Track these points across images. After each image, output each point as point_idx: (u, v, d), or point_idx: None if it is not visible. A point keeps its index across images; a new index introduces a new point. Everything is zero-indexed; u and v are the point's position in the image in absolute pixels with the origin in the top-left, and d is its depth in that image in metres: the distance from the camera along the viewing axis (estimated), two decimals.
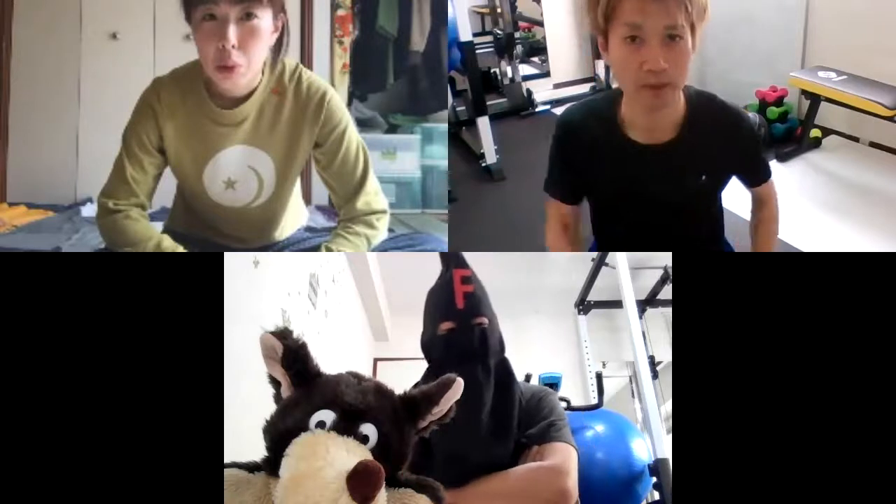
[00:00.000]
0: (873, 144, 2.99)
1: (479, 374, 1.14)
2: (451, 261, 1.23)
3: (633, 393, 3.51)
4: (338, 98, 1.47)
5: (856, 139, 3.06)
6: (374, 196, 1.49)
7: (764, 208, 1.39)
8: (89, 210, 2.75)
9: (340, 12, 3.35)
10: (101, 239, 1.46)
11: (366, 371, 0.98)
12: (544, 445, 1.14)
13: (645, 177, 1.26)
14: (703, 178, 1.26)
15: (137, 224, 1.41)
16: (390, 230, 1.54)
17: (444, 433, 1.06)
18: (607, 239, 1.40)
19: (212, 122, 1.42)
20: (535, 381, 2.35)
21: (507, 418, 1.16)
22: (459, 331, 1.16)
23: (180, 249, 1.41)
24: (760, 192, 1.38)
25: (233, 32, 1.29)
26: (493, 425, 1.14)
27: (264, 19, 1.32)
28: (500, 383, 1.17)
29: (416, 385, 1.06)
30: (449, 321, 1.17)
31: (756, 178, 1.37)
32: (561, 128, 1.33)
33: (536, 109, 3.85)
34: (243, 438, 0.91)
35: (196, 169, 1.44)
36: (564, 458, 1.12)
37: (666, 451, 2.22)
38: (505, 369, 1.19)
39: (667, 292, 3.25)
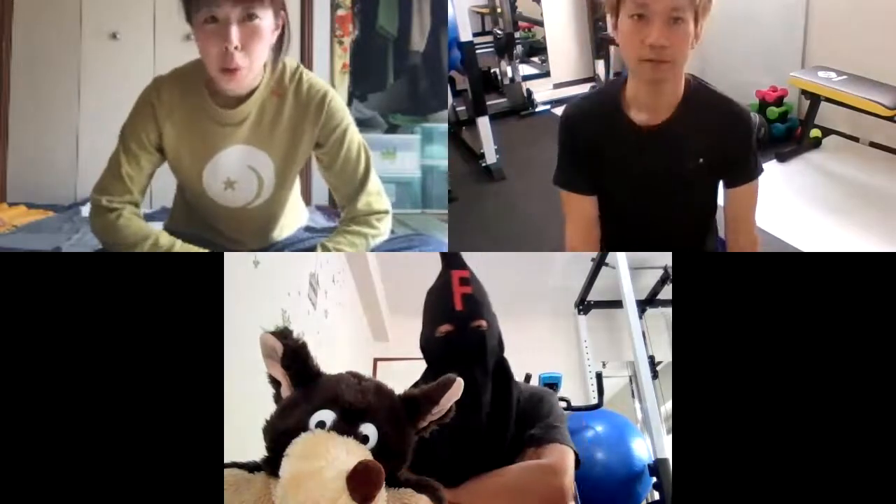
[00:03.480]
0: (873, 144, 2.99)
1: (478, 376, 1.13)
2: (451, 261, 1.23)
3: (633, 393, 3.50)
4: (338, 99, 1.46)
5: (856, 139, 3.06)
6: (376, 196, 1.48)
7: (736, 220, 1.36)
8: (89, 210, 2.74)
9: (340, 12, 3.35)
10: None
11: (366, 371, 0.98)
12: (542, 447, 1.14)
13: (644, 157, 1.29)
14: (701, 160, 1.29)
15: (132, 223, 1.41)
16: (390, 230, 1.54)
17: (443, 434, 1.06)
18: (611, 229, 1.40)
19: (212, 122, 1.41)
20: (535, 382, 2.34)
21: (504, 418, 1.16)
22: (458, 333, 1.16)
23: (178, 243, 1.41)
24: (737, 194, 1.34)
25: (235, 34, 1.28)
26: (490, 425, 1.14)
27: (265, 19, 1.32)
28: (498, 384, 1.17)
29: (414, 385, 1.05)
30: (447, 324, 1.16)
31: (740, 173, 1.33)
32: (566, 117, 1.38)
33: (536, 109, 3.85)
34: (243, 438, 0.91)
35: (195, 168, 1.44)
36: (560, 457, 1.12)
37: (666, 451, 2.22)
38: (503, 369, 1.19)
39: (667, 292, 3.25)
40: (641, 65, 1.22)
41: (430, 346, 1.19)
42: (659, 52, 1.19)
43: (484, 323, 1.18)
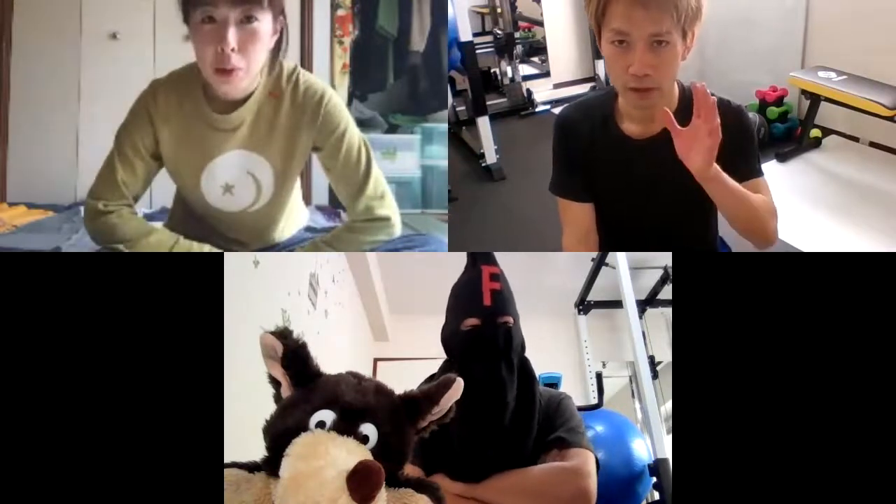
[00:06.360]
0: (873, 144, 2.99)
1: (503, 371, 1.14)
2: (480, 257, 1.22)
3: (633, 393, 3.51)
4: (337, 99, 1.44)
5: (856, 139, 3.06)
6: (378, 201, 1.45)
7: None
8: (83, 213, 2.74)
9: (340, 12, 3.35)
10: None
11: (366, 371, 0.98)
12: (565, 449, 1.15)
13: (637, 168, 1.27)
14: None
15: (131, 221, 1.40)
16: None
17: (467, 428, 1.06)
18: (608, 235, 1.40)
19: (209, 127, 1.40)
20: None
21: (529, 417, 1.16)
22: (484, 328, 1.16)
23: (180, 240, 1.40)
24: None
25: (232, 35, 1.27)
26: (514, 423, 1.14)
27: (264, 22, 1.30)
28: (522, 382, 1.17)
29: (431, 377, 1.05)
30: (474, 318, 1.17)
31: (741, 171, 1.27)
32: (559, 126, 1.35)
33: (536, 109, 3.85)
34: (243, 438, 0.91)
35: (193, 174, 1.43)
36: (585, 460, 1.13)
37: (666, 451, 2.22)
38: (526, 369, 1.19)
39: (667, 292, 3.25)
40: (627, 93, 1.19)
41: (453, 340, 1.19)
42: (643, 81, 1.14)
43: (511, 319, 1.18)
